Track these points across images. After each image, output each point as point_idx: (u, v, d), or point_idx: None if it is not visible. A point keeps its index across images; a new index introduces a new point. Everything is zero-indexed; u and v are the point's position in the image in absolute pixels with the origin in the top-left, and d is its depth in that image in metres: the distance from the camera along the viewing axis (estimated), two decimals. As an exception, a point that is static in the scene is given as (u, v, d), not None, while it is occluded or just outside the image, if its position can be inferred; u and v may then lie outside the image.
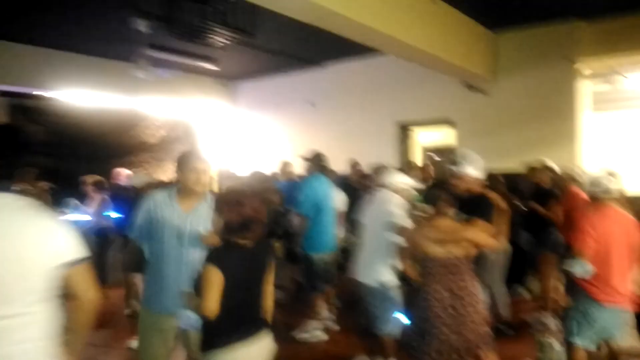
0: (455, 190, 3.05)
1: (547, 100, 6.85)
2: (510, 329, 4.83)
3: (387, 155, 7.89)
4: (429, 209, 2.95)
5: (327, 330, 5.05)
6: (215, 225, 2.36)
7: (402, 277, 3.81)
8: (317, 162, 5.11)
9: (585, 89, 7.07)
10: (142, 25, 4.83)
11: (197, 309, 2.17)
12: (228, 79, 10.32)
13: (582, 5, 6.22)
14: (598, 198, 3.29)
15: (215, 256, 2.24)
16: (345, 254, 5.44)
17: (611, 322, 3.23)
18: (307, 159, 5.14)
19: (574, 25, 6.65)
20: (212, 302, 2.13)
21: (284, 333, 5.02)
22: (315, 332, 4.96)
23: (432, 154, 9.02)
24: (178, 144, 10.18)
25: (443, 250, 2.82)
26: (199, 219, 2.73)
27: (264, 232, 2.32)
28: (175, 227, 2.71)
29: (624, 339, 3.33)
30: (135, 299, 5.29)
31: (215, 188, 7.19)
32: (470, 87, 7.36)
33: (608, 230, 3.21)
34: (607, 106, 9.72)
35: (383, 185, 4.04)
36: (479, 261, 3.27)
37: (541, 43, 6.90)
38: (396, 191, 3.94)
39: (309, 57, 8.51)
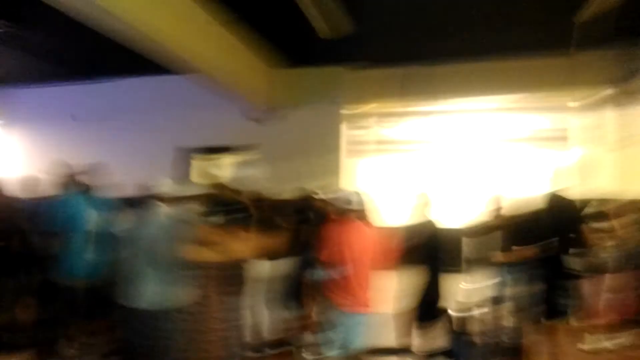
0: (225, 196, 2.97)
1: (316, 137, 7.54)
2: (274, 348, 4.93)
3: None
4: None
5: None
6: None
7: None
8: (71, 178, 4.52)
9: (348, 131, 8.00)
10: None
11: None
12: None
13: (347, 54, 7.12)
14: (344, 212, 3.60)
15: None
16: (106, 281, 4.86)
17: (356, 327, 3.50)
18: (60, 175, 4.51)
19: (339, 71, 7.53)
20: None
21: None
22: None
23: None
24: None
25: (199, 255, 2.67)
26: None
27: None
28: None
29: (367, 341, 3.63)
30: None
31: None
32: (250, 117, 7.64)
33: (354, 244, 3.50)
34: (368, 151, 11.23)
35: (154, 199, 3.74)
36: (241, 279, 3.24)
37: (313, 84, 7.64)
38: (168, 202, 3.70)
39: (77, 68, 7.73)
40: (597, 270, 5.23)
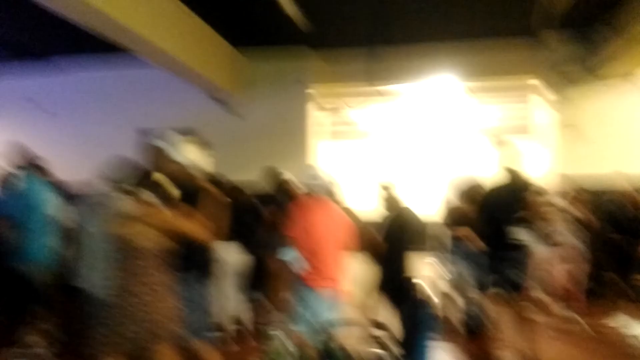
0: (170, 176, 2.93)
1: (284, 119, 7.48)
2: (245, 331, 4.93)
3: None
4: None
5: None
6: None
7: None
8: (24, 160, 4.34)
9: (317, 113, 7.94)
10: None
11: None
12: None
13: (313, 35, 6.97)
14: (313, 191, 3.59)
15: None
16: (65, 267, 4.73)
17: (324, 303, 3.50)
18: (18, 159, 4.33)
19: (304, 50, 7.42)
20: None
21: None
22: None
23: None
24: None
25: (140, 236, 2.64)
26: None
27: None
28: None
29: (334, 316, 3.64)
30: None
31: None
32: (216, 99, 7.50)
33: (320, 221, 3.48)
34: (337, 135, 11.19)
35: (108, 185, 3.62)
36: (199, 261, 3.22)
37: (279, 65, 7.52)
38: (121, 187, 3.58)
39: (37, 49, 7.37)
40: (547, 242, 5.44)
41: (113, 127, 7.74)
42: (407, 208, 4.20)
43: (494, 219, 3.98)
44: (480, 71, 7.29)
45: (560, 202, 5.49)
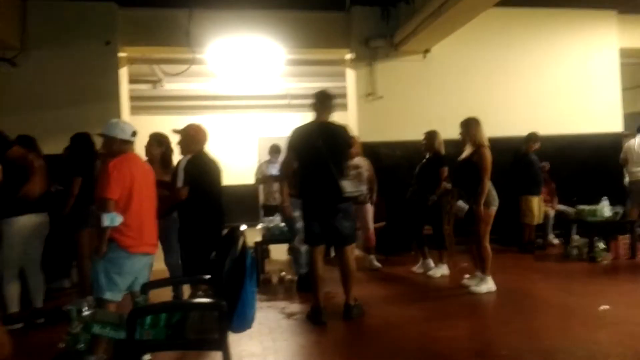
0: None
1: (89, 80, 6.53)
2: (46, 317, 4.26)
3: None
4: None
5: None
6: None
7: None
8: None
9: (131, 85, 7.16)
10: None
11: None
12: None
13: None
14: (123, 144, 3.22)
15: None
16: None
17: (139, 268, 3.20)
18: None
19: (109, 7, 6.64)
20: None
21: None
22: None
23: None
24: None
25: None
26: None
27: None
28: None
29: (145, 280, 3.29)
30: None
31: None
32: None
33: (134, 178, 3.15)
34: (149, 109, 10.36)
35: None
36: None
37: (78, 19, 6.56)
38: None
39: None
40: (359, 199, 5.81)
41: None
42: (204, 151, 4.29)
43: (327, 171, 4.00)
44: (299, 42, 7.32)
45: (362, 162, 5.96)
